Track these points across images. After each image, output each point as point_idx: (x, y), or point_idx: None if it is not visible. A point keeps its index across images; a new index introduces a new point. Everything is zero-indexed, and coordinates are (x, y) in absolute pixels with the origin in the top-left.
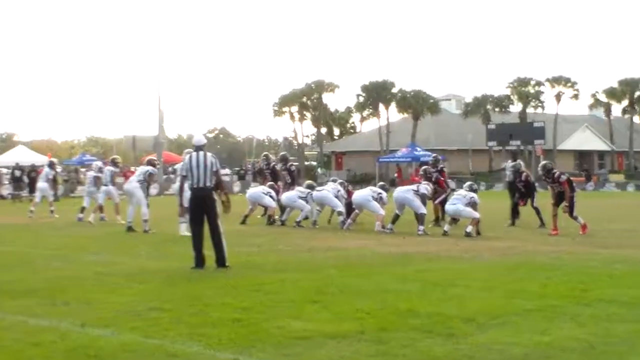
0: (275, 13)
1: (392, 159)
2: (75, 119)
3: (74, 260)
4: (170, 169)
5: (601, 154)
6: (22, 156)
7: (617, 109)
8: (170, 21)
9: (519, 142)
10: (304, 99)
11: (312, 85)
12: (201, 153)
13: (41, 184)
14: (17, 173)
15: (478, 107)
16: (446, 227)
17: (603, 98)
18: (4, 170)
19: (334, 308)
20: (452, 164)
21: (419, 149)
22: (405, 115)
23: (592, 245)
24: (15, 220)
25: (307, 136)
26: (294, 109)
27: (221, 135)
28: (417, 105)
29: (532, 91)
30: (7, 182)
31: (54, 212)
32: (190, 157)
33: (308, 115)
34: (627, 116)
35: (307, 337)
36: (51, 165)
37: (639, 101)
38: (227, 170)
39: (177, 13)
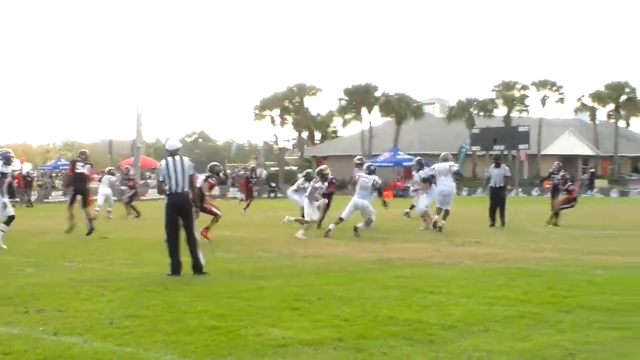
0: (256, 15)
1: (374, 164)
2: (51, 122)
3: (49, 267)
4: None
5: (586, 159)
6: None
7: (602, 113)
8: (148, 23)
9: (503, 147)
10: (285, 103)
11: (294, 88)
12: (177, 157)
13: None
14: None
15: (462, 111)
16: (440, 223)
17: (589, 102)
18: None
19: (313, 315)
20: None
21: (401, 153)
22: (388, 119)
23: (574, 251)
24: None
25: (288, 140)
26: (275, 112)
27: (200, 140)
28: (400, 109)
29: (517, 95)
30: None
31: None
32: (167, 161)
33: (289, 119)
34: (612, 120)
35: (285, 344)
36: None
37: (624, 105)
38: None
39: (156, 15)
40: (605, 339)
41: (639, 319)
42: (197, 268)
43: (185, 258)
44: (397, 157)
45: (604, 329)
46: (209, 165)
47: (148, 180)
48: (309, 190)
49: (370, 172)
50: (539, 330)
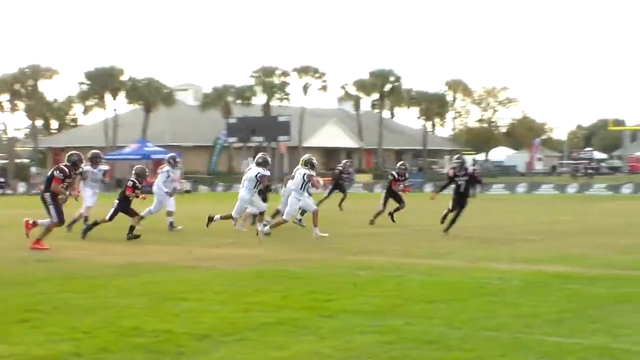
0: None
1: (119, 156)
2: None
3: None
4: None
5: (349, 152)
6: None
7: (367, 103)
8: None
9: (262, 138)
10: (16, 86)
11: (26, 70)
12: None
13: None
14: None
15: (218, 99)
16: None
17: (353, 90)
18: None
19: (47, 328)
20: (188, 162)
21: (150, 144)
22: (136, 106)
23: (339, 251)
24: None
25: (20, 129)
26: (4, 97)
27: None
28: (149, 95)
29: (277, 82)
30: None
31: None
32: None
33: (21, 105)
34: (376, 111)
35: None
36: None
37: (389, 94)
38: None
39: None
40: (366, 344)
41: (399, 322)
42: None
43: None
44: (146, 149)
45: (365, 332)
46: (67, 155)
47: None
48: (297, 180)
49: (258, 164)
50: (298, 337)
